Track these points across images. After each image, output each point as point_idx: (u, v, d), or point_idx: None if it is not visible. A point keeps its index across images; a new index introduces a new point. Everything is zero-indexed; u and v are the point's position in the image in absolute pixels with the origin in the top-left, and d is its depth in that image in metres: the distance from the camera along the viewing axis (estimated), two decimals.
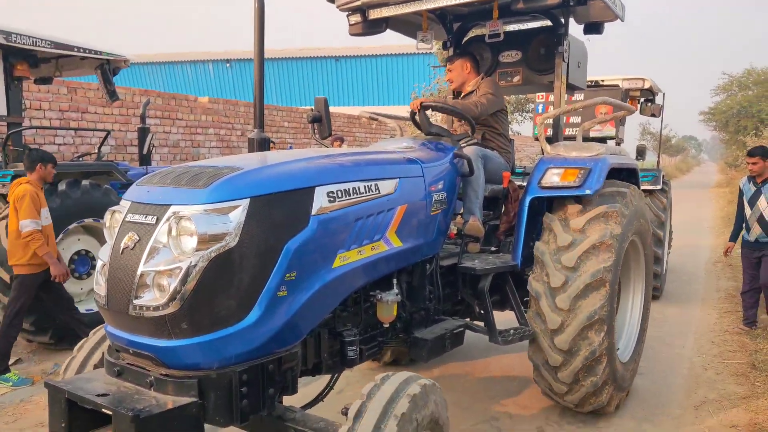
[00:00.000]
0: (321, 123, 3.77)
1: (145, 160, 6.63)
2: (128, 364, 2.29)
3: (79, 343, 2.77)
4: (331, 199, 2.54)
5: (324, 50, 25.58)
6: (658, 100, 8.27)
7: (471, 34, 5.16)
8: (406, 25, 4.79)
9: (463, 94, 4.34)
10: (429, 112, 4.06)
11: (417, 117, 4.10)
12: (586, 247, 3.53)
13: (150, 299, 2.13)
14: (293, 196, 2.39)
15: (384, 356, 4.81)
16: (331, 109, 15.30)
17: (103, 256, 2.33)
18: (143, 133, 6.51)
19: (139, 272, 2.14)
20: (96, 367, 2.68)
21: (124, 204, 2.36)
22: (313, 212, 2.44)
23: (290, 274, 2.33)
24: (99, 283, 2.32)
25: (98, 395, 2.12)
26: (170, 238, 2.14)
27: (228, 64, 26.39)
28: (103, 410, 2.04)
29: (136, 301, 2.14)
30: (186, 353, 2.16)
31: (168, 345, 2.15)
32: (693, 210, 17.28)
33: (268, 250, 2.27)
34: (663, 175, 7.22)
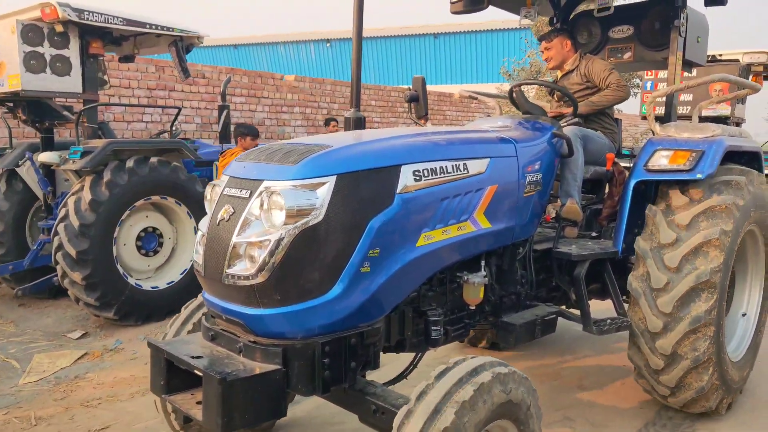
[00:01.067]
0: (418, 102, 3.76)
1: (223, 137, 6.55)
2: (221, 329, 2.44)
3: (186, 305, 2.97)
4: (417, 178, 2.53)
5: (418, 28, 25.20)
6: None
7: (579, 8, 4.91)
8: (509, 1, 4.64)
9: (562, 74, 4.15)
10: (525, 89, 3.93)
11: (515, 95, 3.98)
12: (693, 245, 3.26)
13: (241, 269, 2.25)
14: (379, 174, 2.41)
15: (480, 341, 4.77)
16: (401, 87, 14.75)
17: (202, 227, 2.48)
18: (222, 110, 6.48)
19: (232, 243, 2.26)
20: (196, 325, 2.88)
21: (224, 178, 2.50)
22: (399, 190, 2.45)
23: (374, 250, 2.36)
24: (198, 252, 2.47)
25: (193, 357, 2.27)
26: (262, 211, 2.24)
27: (328, 44, 26.78)
28: (195, 371, 2.18)
29: (228, 270, 2.27)
30: (272, 322, 2.26)
31: (256, 313, 2.26)
32: None
33: (353, 227, 2.31)
34: None
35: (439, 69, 25.25)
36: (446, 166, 2.67)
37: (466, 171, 2.76)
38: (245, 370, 2.17)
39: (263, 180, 2.29)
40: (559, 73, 4.27)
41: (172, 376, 2.36)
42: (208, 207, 2.54)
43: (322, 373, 2.30)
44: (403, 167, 2.48)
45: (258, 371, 2.17)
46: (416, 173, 2.53)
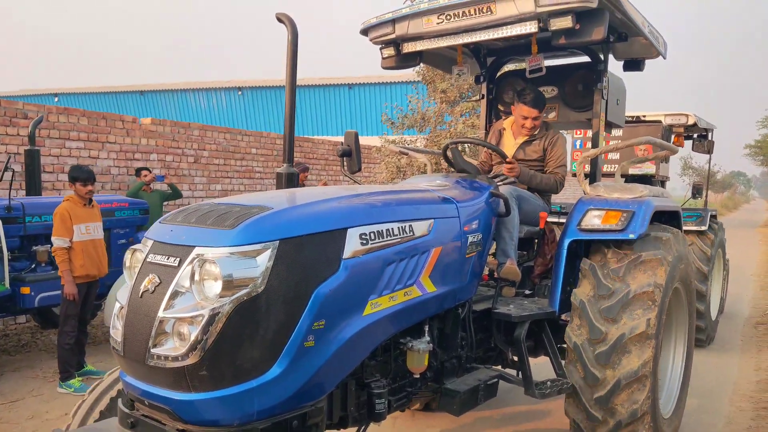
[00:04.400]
0: (351, 157, 3.64)
1: (31, 187, 6.26)
2: (143, 415, 2.13)
3: (90, 387, 2.62)
4: (364, 242, 2.38)
5: (323, 79, 24.93)
6: (710, 136, 7.96)
7: (505, 68, 5.04)
8: (440, 59, 4.70)
9: (525, 139, 4.13)
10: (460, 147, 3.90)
11: (449, 153, 3.96)
12: (628, 297, 3.31)
13: (169, 348, 1.98)
14: (324, 238, 2.24)
15: (413, 404, 4.58)
16: (320, 137, 14.26)
17: (121, 298, 2.19)
18: (29, 156, 6.13)
19: (158, 318, 2.00)
20: (103, 413, 2.54)
21: (146, 243, 2.23)
22: (345, 256, 2.29)
23: (319, 322, 2.16)
24: (116, 327, 2.18)
25: None
26: (193, 282, 2.00)
27: (240, 92, 26.29)
28: None
29: (154, 350, 1.99)
30: (205, 408, 2.00)
31: (186, 398, 1.99)
32: (736, 253, 13.15)
33: (296, 297, 2.11)
34: (713, 214, 6.91)
35: (330, 119, 25.15)
36: (393, 229, 2.55)
37: (411, 233, 2.65)
38: None
39: (195, 246, 2.06)
40: (511, 130, 4.24)
41: None
42: (128, 275, 2.25)
43: None
44: (349, 230, 2.33)
45: None
46: (363, 236, 2.38)
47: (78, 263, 5.14)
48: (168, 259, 2.08)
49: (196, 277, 1.99)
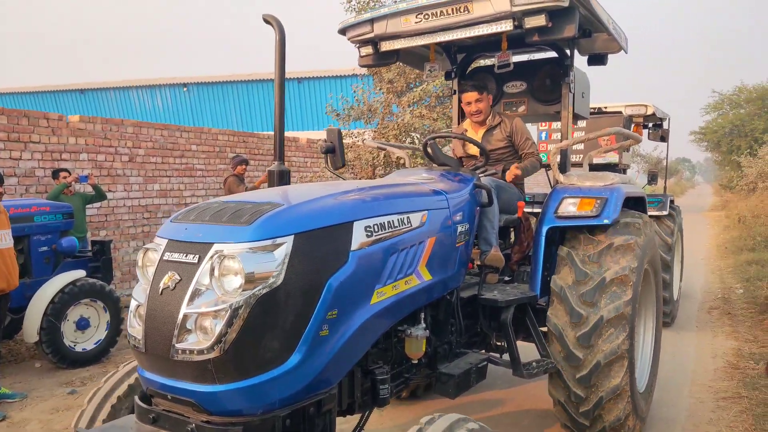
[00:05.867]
0: (334, 154, 3.72)
1: None
2: (164, 410, 2.18)
3: (94, 389, 2.64)
4: (369, 234, 2.49)
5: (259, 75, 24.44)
6: (665, 124, 8.36)
7: (474, 64, 5.21)
8: (413, 57, 4.82)
9: (485, 129, 4.29)
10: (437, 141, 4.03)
11: (429, 148, 4.09)
12: (605, 281, 3.52)
13: (193, 342, 2.04)
14: (334, 231, 2.33)
15: (403, 391, 4.71)
16: (266, 133, 13.35)
17: (138, 296, 2.23)
18: None
19: (181, 314, 2.05)
20: (111, 412, 2.56)
21: (159, 242, 2.27)
22: (353, 247, 2.39)
23: (332, 312, 2.26)
24: (134, 325, 2.21)
25: None
26: (213, 277, 2.06)
27: (185, 89, 25.29)
28: None
29: (177, 345, 2.05)
30: (230, 399, 2.07)
31: (211, 390, 2.05)
32: (686, 237, 13.14)
33: (311, 288, 2.20)
34: (671, 200, 7.25)
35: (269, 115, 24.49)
36: (393, 221, 2.66)
37: (409, 224, 2.77)
38: None
39: (213, 243, 2.12)
40: (472, 128, 4.40)
41: None
42: (141, 274, 2.29)
43: None
44: (355, 223, 2.43)
45: None
46: (368, 229, 2.48)
47: None
48: (186, 256, 2.13)
49: (216, 273, 2.05)
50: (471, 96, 4.17)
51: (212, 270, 2.06)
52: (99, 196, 7.64)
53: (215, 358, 2.01)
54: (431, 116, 10.61)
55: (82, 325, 5.93)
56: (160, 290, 2.12)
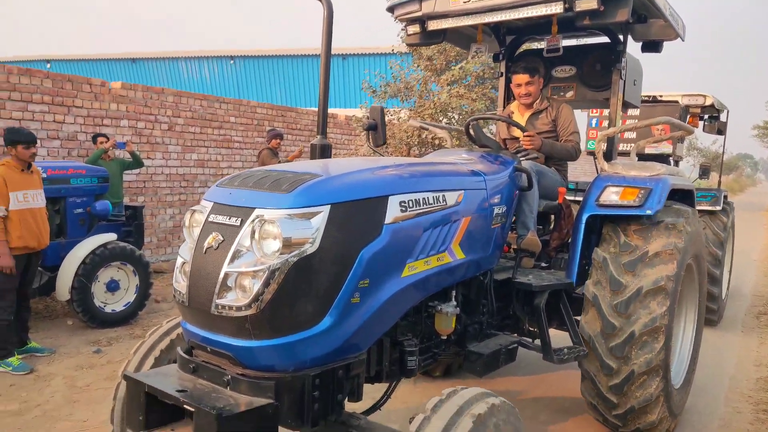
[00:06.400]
0: (376, 131, 3.80)
1: None
2: (203, 361, 2.34)
3: (140, 342, 2.83)
4: (403, 209, 2.56)
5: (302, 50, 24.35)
6: (722, 116, 8.05)
7: (523, 47, 5.17)
8: (461, 37, 4.82)
9: (531, 112, 4.28)
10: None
11: (471, 129, 4.11)
12: (649, 254, 3.50)
13: (232, 299, 2.17)
14: (369, 204, 2.41)
15: (436, 368, 4.82)
16: (305, 108, 12.93)
17: (184, 254, 2.38)
18: None
19: (222, 272, 2.18)
20: (157, 358, 2.74)
21: (206, 204, 2.41)
22: (387, 221, 2.47)
23: (364, 281, 2.35)
24: (179, 281, 2.36)
25: (178, 391, 2.15)
26: (253, 240, 2.18)
27: (232, 61, 25.57)
28: (185, 406, 2.07)
29: (218, 301, 2.18)
30: (264, 354, 2.20)
31: (247, 345, 2.19)
32: (740, 236, 10.90)
33: (345, 257, 2.29)
34: (725, 195, 7.05)
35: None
36: (428, 198, 2.72)
37: (444, 202, 2.83)
38: (237, 405, 2.08)
39: (255, 208, 2.24)
40: (518, 110, 4.39)
41: (151, 410, 2.23)
42: (188, 233, 2.43)
43: (312, 407, 2.25)
44: (390, 198, 2.51)
45: (249, 405, 2.09)
46: (402, 204, 2.56)
47: (15, 234, 4.80)
48: (230, 219, 2.26)
49: (256, 236, 2.17)
50: (522, 78, 4.17)
51: (253, 233, 2.18)
52: (136, 163, 7.76)
53: (252, 315, 2.14)
54: (470, 96, 10.31)
55: (113, 287, 6.13)
56: (204, 249, 2.26)
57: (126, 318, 6.22)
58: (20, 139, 4.87)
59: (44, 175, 5.71)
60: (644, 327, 3.41)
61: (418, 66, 11.17)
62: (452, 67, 10.66)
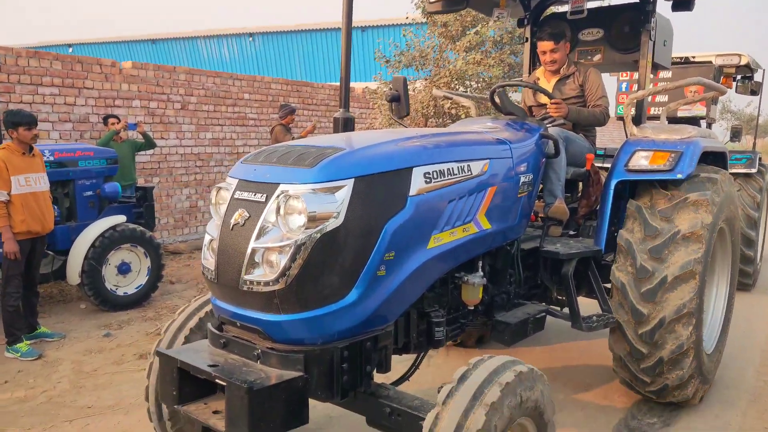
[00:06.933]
0: (399, 102, 3.75)
1: None
2: (234, 336, 2.38)
3: (170, 321, 2.88)
4: (428, 180, 2.54)
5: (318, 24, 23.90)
6: (757, 77, 7.78)
7: (549, 11, 5.03)
8: (484, 2, 4.70)
9: (558, 78, 4.18)
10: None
11: (497, 96, 4.04)
12: (675, 237, 3.42)
13: (260, 275, 2.19)
14: (393, 176, 2.40)
15: (467, 338, 4.85)
16: (320, 83, 12.26)
17: (211, 231, 2.41)
18: None
19: (249, 248, 2.20)
20: (187, 337, 2.80)
21: (231, 181, 2.42)
22: (411, 193, 2.45)
23: (389, 254, 2.35)
24: (207, 258, 2.40)
25: (209, 366, 2.20)
26: (278, 215, 2.19)
27: (251, 39, 25.14)
28: (217, 381, 2.12)
29: (246, 276, 2.21)
30: (292, 328, 2.22)
31: (276, 319, 2.22)
32: None
33: (370, 230, 2.29)
34: (760, 158, 6.88)
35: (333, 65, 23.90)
36: (453, 168, 2.69)
37: (469, 172, 2.79)
38: (268, 378, 2.12)
39: (279, 183, 2.24)
40: (544, 76, 4.29)
41: (183, 385, 2.28)
42: (215, 211, 2.46)
43: (341, 379, 2.28)
44: (414, 169, 2.48)
45: (281, 378, 2.13)
46: (426, 175, 2.53)
47: (18, 218, 4.72)
48: (255, 195, 2.27)
49: (282, 212, 2.18)
50: (547, 45, 4.05)
51: (278, 209, 2.19)
52: (148, 144, 7.66)
53: (280, 289, 2.16)
54: (487, 62, 9.94)
55: (124, 269, 6.04)
56: (231, 226, 2.28)
57: (138, 300, 6.16)
58: (21, 120, 4.78)
59: (52, 158, 5.71)
60: (675, 313, 3.35)
61: (433, 33, 10.71)
62: (468, 33, 10.28)
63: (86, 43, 29.60)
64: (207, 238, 2.43)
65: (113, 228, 5.91)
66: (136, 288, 6.17)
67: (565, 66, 4.15)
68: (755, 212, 6.52)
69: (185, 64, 25.89)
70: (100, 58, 8.42)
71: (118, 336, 5.38)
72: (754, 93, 7.78)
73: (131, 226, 6.10)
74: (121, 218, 6.09)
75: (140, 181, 8.13)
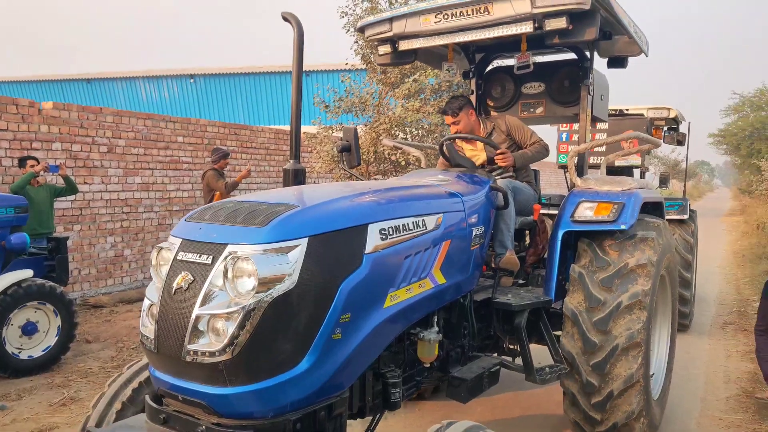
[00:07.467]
0: (350, 152, 3.70)
1: None
2: (175, 411, 2.17)
3: (98, 395, 2.63)
4: (383, 237, 2.46)
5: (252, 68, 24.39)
6: (683, 128, 8.28)
7: (493, 65, 5.16)
8: (431, 56, 4.78)
9: (485, 135, 4.21)
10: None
11: (446, 148, 4.06)
12: (625, 269, 3.51)
13: (205, 344, 2.02)
14: (348, 234, 2.31)
15: (424, 392, 4.72)
16: (259, 126, 12.09)
17: (151, 295, 2.22)
18: None
19: (194, 315, 2.04)
20: (119, 411, 2.55)
21: (174, 241, 2.26)
22: (367, 250, 2.36)
23: (345, 315, 2.24)
24: (146, 324, 2.20)
25: None
26: (226, 279, 2.04)
27: (192, 80, 24.91)
28: None
29: (189, 346, 2.03)
30: (241, 401, 2.05)
31: (222, 392, 2.04)
32: (702, 242, 10.10)
33: (325, 292, 2.18)
34: (689, 204, 7.24)
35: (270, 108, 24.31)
36: (408, 223, 2.63)
37: (424, 227, 2.74)
38: None
39: (227, 244, 2.10)
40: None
41: None
42: (155, 273, 2.28)
43: None
44: (370, 226, 2.40)
45: None
46: (382, 232, 2.46)
47: None
48: (200, 257, 2.11)
49: (230, 275, 2.04)
50: (447, 119, 4.17)
51: (226, 271, 2.05)
52: (70, 188, 6.98)
53: (227, 360, 2.00)
54: (426, 110, 10.00)
55: (29, 329, 5.46)
56: (174, 290, 2.11)
57: (46, 364, 5.52)
58: None
59: None
60: (625, 342, 3.39)
61: (372, 79, 10.78)
62: (406, 80, 10.36)
63: (14, 81, 28.37)
64: (146, 302, 2.24)
65: (18, 284, 5.36)
66: (43, 350, 5.55)
67: (481, 126, 4.22)
68: (689, 254, 6.85)
69: (122, 104, 25.19)
70: (16, 98, 7.89)
71: (16, 408, 4.68)
72: (680, 143, 8.25)
73: (39, 281, 5.54)
74: (27, 273, 5.50)
75: (59, 229, 7.56)
